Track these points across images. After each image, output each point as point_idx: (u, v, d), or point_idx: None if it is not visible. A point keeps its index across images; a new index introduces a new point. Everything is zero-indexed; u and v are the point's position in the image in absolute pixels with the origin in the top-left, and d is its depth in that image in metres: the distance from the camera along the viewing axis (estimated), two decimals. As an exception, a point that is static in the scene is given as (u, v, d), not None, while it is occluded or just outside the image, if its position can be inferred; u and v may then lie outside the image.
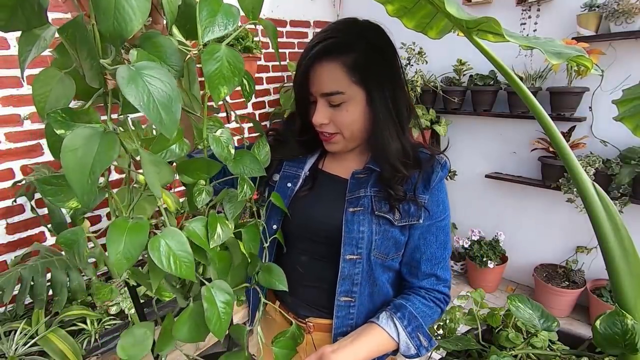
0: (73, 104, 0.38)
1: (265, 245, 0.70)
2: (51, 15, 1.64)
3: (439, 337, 0.78)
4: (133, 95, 0.32)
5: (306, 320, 0.81)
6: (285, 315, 0.82)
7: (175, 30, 0.44)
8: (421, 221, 0.73)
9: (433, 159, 0.75)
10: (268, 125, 2.65)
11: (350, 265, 0.73)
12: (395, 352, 0.73)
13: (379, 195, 0.73)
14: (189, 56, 0.44)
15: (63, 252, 1.61)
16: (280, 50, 2.61)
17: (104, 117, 0.38)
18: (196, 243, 0.46)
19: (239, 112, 2.46)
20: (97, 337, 1.57)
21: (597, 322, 0.55)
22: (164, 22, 0.45)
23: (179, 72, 0.40)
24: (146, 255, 0.40)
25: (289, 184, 0.80)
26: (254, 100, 2.51)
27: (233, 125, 2.45)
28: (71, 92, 0.37)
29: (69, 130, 0.35)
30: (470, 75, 2.32)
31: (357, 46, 0.67)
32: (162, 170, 0.42)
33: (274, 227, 0.80)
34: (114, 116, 0.39)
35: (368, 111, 0.71)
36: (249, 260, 0.62)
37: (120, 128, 0.39)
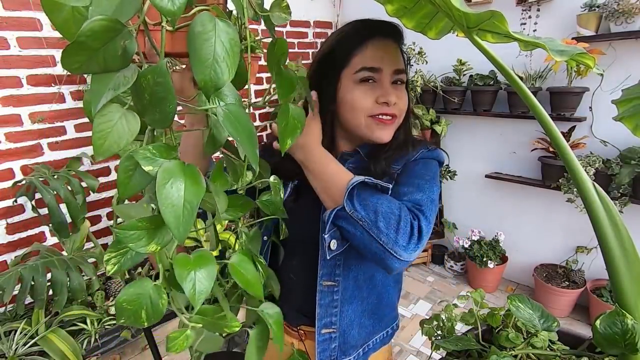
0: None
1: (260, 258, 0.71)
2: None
3: (439, 337, 0.78)
4: (230, 129, 0.38)
5: (297, 327, 0.80)
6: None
7: None
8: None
9: (421, 143, 0.75)
10: (269, 125, 2.66)
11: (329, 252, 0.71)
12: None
13: (356, 170, 0.70)
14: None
15: (64, 252, 1.61)
16: (280, 50, 2.61)
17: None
18: (240, 283, 0.47)
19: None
20: (97, 337, 1.57)
21: (597, 322, 0.55)
22: None
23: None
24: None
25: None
26: (253, 100, 2.51)
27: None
28: (135, 129, 0.35)
29: (157, 167, 0.35)
30: (470, 75, 2.33)
31: (402, 39, 0.73)
32: (220, 199, 0.45)
33: (265, 238, 0.79)
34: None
35: None
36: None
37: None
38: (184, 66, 0.62)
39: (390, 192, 0.68)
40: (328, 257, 0.69)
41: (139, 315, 0.38)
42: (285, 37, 2.62)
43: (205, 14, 0.35)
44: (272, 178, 0.57)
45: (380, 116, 0.69)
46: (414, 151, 0.73)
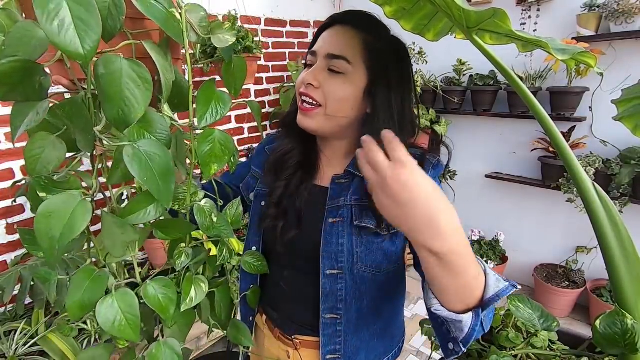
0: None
1: (236, 301, 0.70)
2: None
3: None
4: (137, 171, 0.37)
5: (292, 337, 0.78)
6: (271, 329, 0.81)
7: (164, 105, 0.47)
8: None
9: (423, 158, 0.68)
10: (268, 125, 2.66)
11: (332, 281, 0.68)
12: (477, 304, 0.49)
13: (361, 204, 0.67)
14: (174, 128, 0.48)
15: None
16: (280, 50, 2.61)
17: (84, 184, 0.42)
18: (154, 309, 0.46)
19: (239, 112, 2.46)
20: (97, 337, 1.57)
21: (597, 322, 0.55)
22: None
23: (168, 144, 0.43)
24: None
25: (262, 203, 0.76)
26: (253, 100, 2.52)
27: (233, 125, 2.45)
28: (62, 155, 0.39)
29: (49, 195, 0.38)
30: (470, 75, 2.32)
31: (382, 36, 0.66)
32: (126, 231, 0.43)
33: (254, 248, 0.78)
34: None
35: (362, 101, 0.66)
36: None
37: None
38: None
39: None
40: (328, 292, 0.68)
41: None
42: (285, 37, 2.62)
43: (109, 56, 0.35)
44: (203, 202, 0.52)
45: (302, 100, 0.67)
46: None
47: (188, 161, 0.49)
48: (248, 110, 2.51)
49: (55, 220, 0.35)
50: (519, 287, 0.52)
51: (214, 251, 0.59)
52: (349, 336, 0.71)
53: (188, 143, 0.49)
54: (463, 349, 0.52)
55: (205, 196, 0.53)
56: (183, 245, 0.53)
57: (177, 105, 0.49)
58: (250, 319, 0.85)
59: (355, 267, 0.68)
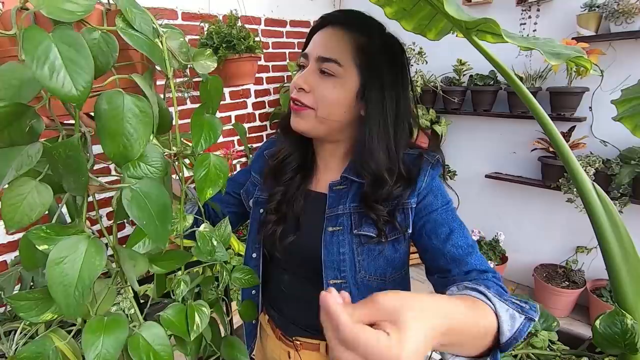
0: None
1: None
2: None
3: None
4: (136, 215, 0.36)
5: (293, 338, 0.77)
6: (273, 329, 0.82)
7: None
8: (409, 230, 0.64)
9: (421, 160, 0.66)
10: (268, 125, 2.66)
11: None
12: (491, 349, 0.45)
13: (359, 211, 0.66)
14: (167, 156, 0.47)
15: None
16: (280, 50, 2.61)
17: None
18: (175, 333, 0.46)
19: (238, 112, 2.46)
20: (97, 337, 1.58)
21: (597, 322, 0.55)
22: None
23: (164, 171, 0.42)
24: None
25: (261, 210, 0.76)
26: (253, 100, 2.52)
27: (228, 127, 2.45)
28: (48, 200, 0.36)
29: (52, 245, 0.34)
30: (470, 75, 2.32)
31: (375, 36, 0.64)
32: (138, 262, 0.43)
33: (254, 255, 0.78)
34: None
35: (355, 104, 0.64)
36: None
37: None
38: None
39: (424, 230, 0.63)
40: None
41: None
42: (285, 37, 2.62)
43: (113, 92, 0.35)
44: (202, 226, 0.53)
45: (293, 102, 0.66)
46: (415, 171, 0.65)
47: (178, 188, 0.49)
48: (249, 109, 2.52)
49: (69, 265, 0.33)
50: (536, 317, 0.48)
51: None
52: None
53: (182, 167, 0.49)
54: None
55: (195, 219, 0.53)
56: (180, 273, 0.52)
57: (159, 129, 0.48)
58: (254, 322, 0.85)
59: (358, 276, 0.67)
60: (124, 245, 0.43)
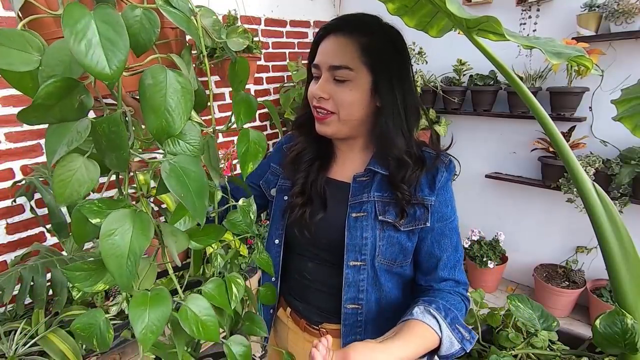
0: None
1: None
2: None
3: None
4: (174, 187, 0.37)
5: (319, 326, 0.80)
6: (297, 321, 0.84)
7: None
8: (428, 224, 0.71)
9: (438, 159, 0.73)
10: (268, 125, 2.66)
11: (355, 272, 0.72)
12: (433, 353, 0.65)
13: (383, 200, 0.72)
14: (204, 133, 0.49)
15: (64, 252, 1.61)
16: (280, 50, 2.61)
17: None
18: (216, 305, 0.49)
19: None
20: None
21: (597, 322, 0.55)
22: None
23: (201, 150, 0.43)
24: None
25: (285, 197, 0.80)
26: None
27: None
28: (96, 176, 0.37)
29: (104, 219, 0.36)
30: (470, 75, 2.32)
31: (375, 32, 0.68)
32: (179, 238, 0.45)
33: (276, 241, 0.81)
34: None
35: (371, 99, 0.69)
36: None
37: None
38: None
39: (432, 234, 0.73)
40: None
41: (91, 342, 0.41)
42: (285, 37, 2.62)
43: (156, 67, 0.36)
44: (241, 201, 0.57)
45: (315, 110, 0.72)
46: (432, 166, 0.72)
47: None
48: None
49: (119, 237, 0.34)
50: (469, 348, 0.63)
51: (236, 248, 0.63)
52: (369, 326, 0.75)
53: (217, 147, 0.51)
54: None
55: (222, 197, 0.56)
56: (215, 246, 0.55)
57: (196, 107, 0.50)
58: (271, 311, 0.88)
59: (376, 260, 0.72)
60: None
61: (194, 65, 0.46)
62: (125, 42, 0.31)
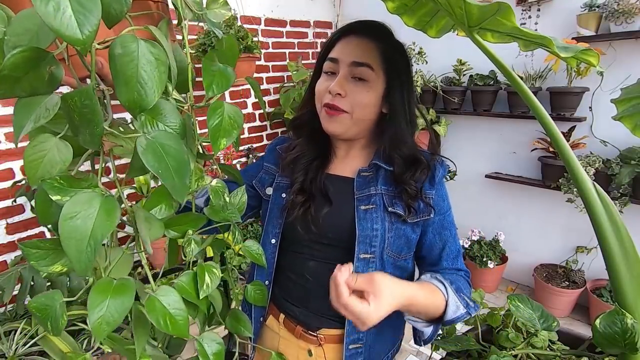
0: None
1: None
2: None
3: (439, 337, 0.78)
4: (151, 162, 0.34)
5: (317, 332, 0.78)
6: (291, 328, 0.81)
7: (169, 87, 0.45)
8: (432, 216, 0.74)
9: (434, 158, 0.77)
10: (268, 126, 2.66)
11: (364, 265, 0.72)
12: (439, 320, 0.69)
13: (390, 193, 0.74)
14: (183, 111, 0.46)
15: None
16: (280, 50, 2.61)
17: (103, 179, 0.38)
18: (187, 299, 0.46)
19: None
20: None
21: (597, 321, 0.55)
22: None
23: (179, 130, 0.41)
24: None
25: (283, 195, 0.79)
26: (253, 100, 2.51)
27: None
28: (68, 157, 0.36)
29: (66, 197, 0.34)
30: (470, 75, 2.32)
31: (390, 42, 0.72)
32: (154, 226, 0.42)
33: (272, 241, 0.79)
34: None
35: (381, 104, 0.72)
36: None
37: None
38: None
39: (433, 226, 0.76)
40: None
41: (45, 324, 0.39)
42: (285, 37, 2.62)
43: (127, 36, 0.34)
44: (214, 182, 0.52)
45: (327, 106, 0.71)
46: (431, 164, 0.75)
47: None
48: (249, 109, 2.51)
49: (81, 221, 0.32)
50: (474, 313, 0.70)
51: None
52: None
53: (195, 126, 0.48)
54: (422, 344, 0.74)
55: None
56: (190, 232, 0.51)
57: (179, 86, 0.48)
58: (261, 319, 0.84)
59: (385, 252, 0.73)
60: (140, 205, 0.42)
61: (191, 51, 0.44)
62: (97, 6, 0.29)
